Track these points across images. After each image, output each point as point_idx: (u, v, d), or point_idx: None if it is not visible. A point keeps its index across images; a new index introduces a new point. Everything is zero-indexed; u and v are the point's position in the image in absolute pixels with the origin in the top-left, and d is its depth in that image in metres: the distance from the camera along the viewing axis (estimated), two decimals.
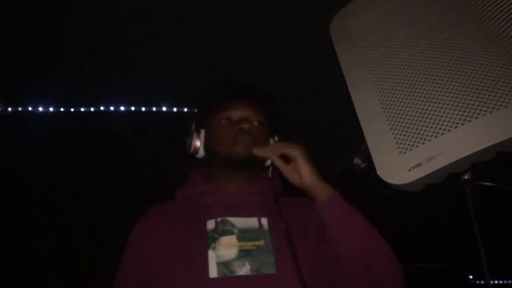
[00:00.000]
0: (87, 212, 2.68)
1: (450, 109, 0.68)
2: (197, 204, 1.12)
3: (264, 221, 1.06)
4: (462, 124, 0.66)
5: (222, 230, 1.03)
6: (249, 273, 0.97)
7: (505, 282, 4.27)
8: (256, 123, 1.16)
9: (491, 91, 0.66)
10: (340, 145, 1.55)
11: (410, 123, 0.70)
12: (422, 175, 0.67)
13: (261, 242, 1.02)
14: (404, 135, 0.70)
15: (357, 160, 0.92)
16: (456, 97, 0.68)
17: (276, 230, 1.04)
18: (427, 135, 0.68)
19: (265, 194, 1.15)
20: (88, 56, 2.23)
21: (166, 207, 1.15)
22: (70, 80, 2.39)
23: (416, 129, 0.69)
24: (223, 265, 0.97)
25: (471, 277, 4.41)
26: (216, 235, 1.02)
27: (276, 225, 1.06)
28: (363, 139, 0.80)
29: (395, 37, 0.80)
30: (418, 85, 0.73)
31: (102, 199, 2.69)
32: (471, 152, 0.64)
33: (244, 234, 1.03)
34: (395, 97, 0.74)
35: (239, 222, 1.06)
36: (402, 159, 0.69)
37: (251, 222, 1.06)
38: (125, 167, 2.71)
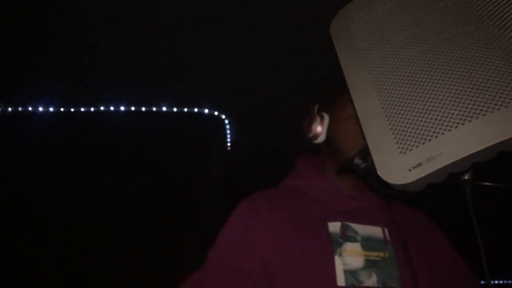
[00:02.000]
0: (87, 211, 2.68)
1: (451, 109, 0.68)
2: (312, 201, 1.05)
3: (386, 231, 1.02)
4: (463, 124, 0.66)
5: (347, 236, 0.98)
6: (376, 284, 0.93)
7: (505, 282, 4.27)
8: None
9: (492, 91, 0.66)
10: None
11: (410, 123, 0.70)
12: (423, 175, 0.66)
13: (386, 254, 0.98)
14: (404, 135, 0.70)
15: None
16: (457, 97, 0.68)
17: (396, 242, 1.00)
18: (427, 135, 0.68)
19: (380, 200, 1.08)
20: (88, 56, 2.23)
21: (275, 197, 1.06)
22: (70, 80, 2.40)
23: (416, 129, 0.69)
24: (350, 273, 0.93)
25: None
26: (341, 240, 0.97)
27: (394, 236, 1.01)
28: (363, 139, 0.80)
29: (396, 37, 0.80)
30: (419, 85, 0.72)
31: (102, 199, 2.69)
32: (472, 152, 0.64)
33: (367, 243, 0.98)
34: (396, 97, 0.74)
35: (361, 229, 1.01)
36: (402, 159, 0.69)
37: (374, 231, 1.02)
38: (125, 167, 2.71)
